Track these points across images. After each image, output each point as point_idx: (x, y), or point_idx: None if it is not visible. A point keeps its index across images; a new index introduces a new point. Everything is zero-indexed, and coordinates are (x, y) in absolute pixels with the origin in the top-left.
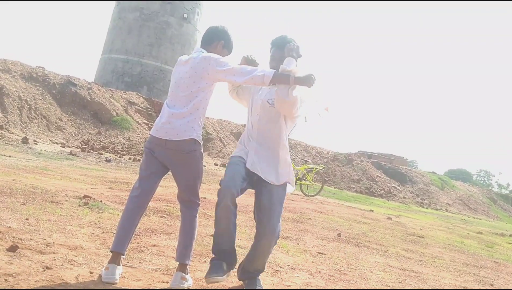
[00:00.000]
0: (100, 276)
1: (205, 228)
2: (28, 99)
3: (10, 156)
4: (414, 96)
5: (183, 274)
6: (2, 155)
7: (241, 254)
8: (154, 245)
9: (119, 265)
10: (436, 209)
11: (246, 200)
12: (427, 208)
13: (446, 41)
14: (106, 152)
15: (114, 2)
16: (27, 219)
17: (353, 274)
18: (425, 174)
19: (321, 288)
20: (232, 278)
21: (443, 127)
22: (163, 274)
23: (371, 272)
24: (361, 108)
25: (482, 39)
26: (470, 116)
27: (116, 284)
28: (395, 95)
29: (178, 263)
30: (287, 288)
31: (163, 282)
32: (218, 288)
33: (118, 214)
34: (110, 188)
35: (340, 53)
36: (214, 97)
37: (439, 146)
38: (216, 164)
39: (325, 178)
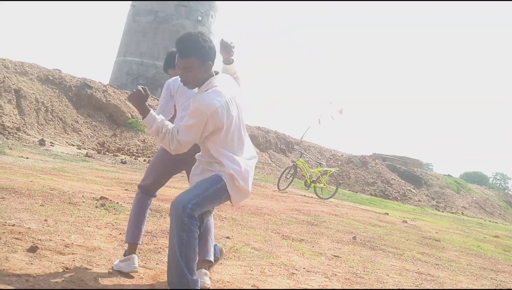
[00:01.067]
0: (118, 272)
1: (220, 230)
2: (45, 101)
3: (27, 158)
4: (429, 99)
5: (207, 271)
6: (19, 156)
7: (256, 257)
8: None
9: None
10: (452, 213)
11: (260, 203)
12: (442, 211)
13: (464, 41)
14: (122, 154)
15: (129, 4)
16: (45, 220)
17: (369, 278)
18: (440, 177)
19: None
20: (245, 280)
21: (459, 130)
22: None
23: (387, 275)
24: (376, 110)
25: (499, 41)
26: (486, 118)
27: (136, 272)
28: (410, 97)
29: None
30: None
31: None
32: (231, 288)
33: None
34: (126, 189)
35: (355, 54)
36: None
37: (454, 148)
38: None
39: (340, 181)
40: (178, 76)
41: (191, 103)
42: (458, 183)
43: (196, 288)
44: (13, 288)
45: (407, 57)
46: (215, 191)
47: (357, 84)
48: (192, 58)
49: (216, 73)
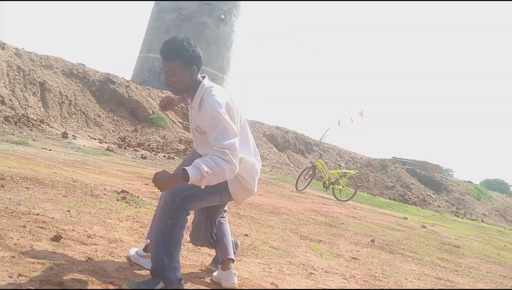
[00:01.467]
0: (136, 264)
1: (238, 227)
2: (69, 95)
3: (50, 150)
4: (450, 104)
5: (235, 271)
6: (42, 148)
7: (275, 255)
8: (190, 242)
9: None
10: (472, 220)
11: (278, 202)
12: (462, 218)
13: (490, 47)
14: (142, 149)
15: (153, 2)
16: (68, 211)
17: (388, 281)
18: (461, 183)
19: None
20: (264, 278)
21: (480, 136)
22: (200, 270)
23: (406, 279)
24: (396, 113)
25: None
26: (508, 125)
27: None
28: (430, 102)
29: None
30: None
31: (200, 278)
32: (252, 289)
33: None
34: (146, 184)
35: (377, 56)
36: (248, 98)
37: (475, 155)
38: None
39: (358, 184)
40: None
41: (202, 116)
42: (479, 190)
43: (171, 273)
44: (38, 275)
45: (428, 58)
46: (214, 185)
47: (377, 88)
48: (175, 62)
49: (203, 77)
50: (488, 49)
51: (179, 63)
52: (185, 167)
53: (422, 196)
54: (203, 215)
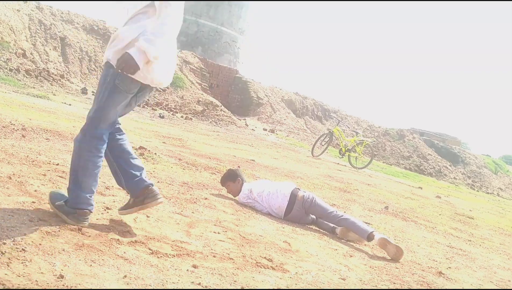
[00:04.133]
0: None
1: None
2: (89, 51)
3: (70, 104)
4: (470, 79)
5: None
6: (62, 102)
7: None
8: (206, 199)
9: None
10: (487, 193)
11: (294, 166)
12: (478, 191)
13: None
14: (160, 108)
15: None
16: None
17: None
18: (478, 156)
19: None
20: (277, 236)
21: (499, 111)
22: (215, 225)
23: (418, 246)
24: (416, 85)
25: None
26: None
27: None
28: (451, 77)
29: None
30: (334, 250)
31: (215, 233)
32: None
33: (171, 167)
34: (164, 142)
35: (398, 29)
36: (267, 64)
37: (494, 129)
38: (265, 129)
39: (375, 152)
40: None
41: None
42: (497, 164)
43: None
44: (57, 220)
45: (448, 33)
46: None
47: (398, 60)
48: None
49: None
50: None
51: None
52: None
53: (438, 167)
54: None
